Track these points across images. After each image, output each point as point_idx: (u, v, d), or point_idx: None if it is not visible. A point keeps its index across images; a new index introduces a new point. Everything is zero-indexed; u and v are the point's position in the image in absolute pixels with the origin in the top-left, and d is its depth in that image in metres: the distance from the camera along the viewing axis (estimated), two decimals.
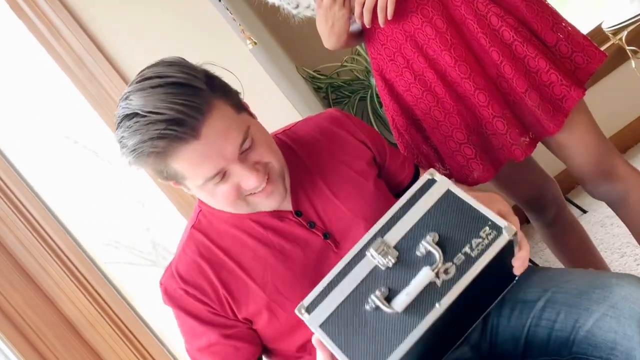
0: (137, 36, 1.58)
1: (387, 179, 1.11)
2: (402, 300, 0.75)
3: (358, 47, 2.12)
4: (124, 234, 1.79)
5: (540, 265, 2.05)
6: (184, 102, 0.81)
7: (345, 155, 1.04)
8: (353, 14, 1.16)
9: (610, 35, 2.25)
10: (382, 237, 0.80)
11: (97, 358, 1.83)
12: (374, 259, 0.79)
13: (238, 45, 1.54)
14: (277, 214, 0.97)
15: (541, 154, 1.33)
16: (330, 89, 2.18)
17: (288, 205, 0.98)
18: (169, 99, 0.81)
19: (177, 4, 1.58)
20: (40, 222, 1.76)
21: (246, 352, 0.97)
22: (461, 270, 0.76)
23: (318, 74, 2.21)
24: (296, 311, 0.79)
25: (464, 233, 0.78)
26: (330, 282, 0.79)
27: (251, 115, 0.95)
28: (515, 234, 0.78)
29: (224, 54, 1.54)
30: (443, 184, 0.80)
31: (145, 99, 0.81)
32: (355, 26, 1.25)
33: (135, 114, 0.82)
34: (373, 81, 2.05)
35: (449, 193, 0.79)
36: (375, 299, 0.76)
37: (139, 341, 1.83)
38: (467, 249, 0.77)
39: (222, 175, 0.86)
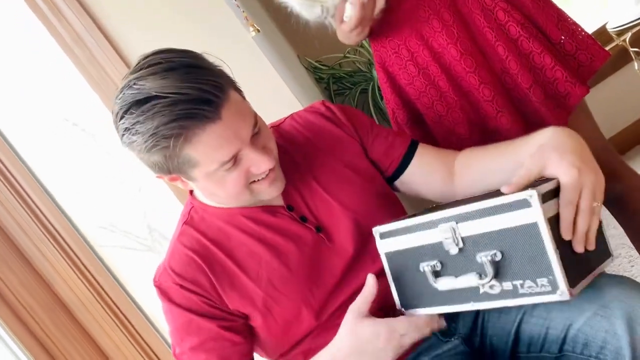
0: (139, 18, 1.57)
1: (376, 162, 1.08)
2: (445, 284, 0.82)
3: None
4: (120, 218, 1.79)
5: None
6: (207, 81, 0.81)
7: (333, 149, 1.04)
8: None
9: (614, 35, 2.25)
10: (457, 223, 0.81)
11: (90, 340, 1.84)
12: (443, 236, 0.82)
13: (240, 33, 1.53)
14: (269, 209, 0.97)
15: None
16: (332, 80, 2.17)
17: (279, 200, 0.98)
18: (191, 78, 0.80)
19: None
20: (36, 202, 1.76)
21: (243, 349, 0.95)
22: (503, 295, 0.80)
23: (320, 65, 2.20)
24: (373, 230, 0.89)
25: (525, 270, 0.77)
26: (407, 227, 0.86)
27: None
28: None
29: (225, 39, 1.54)
30: (535, 214, 0.75)
31: (162, 81, 0.80)
32: None
33: (154, 97, 0.79)
34: (375, 73, 2.04)
35: (534, 226, 0.75)
36: (426, 268, 0.83)
37: (131, 324, 1.84)
38: (518, 283, 0.78)
39: (234, 160, 0.86)
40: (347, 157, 1.04)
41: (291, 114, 1.12)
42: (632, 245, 1.34)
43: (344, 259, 0.96)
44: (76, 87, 1.65)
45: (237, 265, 0.94)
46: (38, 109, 1.71)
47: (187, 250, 0.95)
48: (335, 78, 2.18)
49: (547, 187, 0.77)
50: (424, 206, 0.96)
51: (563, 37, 1.13)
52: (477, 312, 0.99)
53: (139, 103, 0.80)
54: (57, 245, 1.78)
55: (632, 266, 1.74)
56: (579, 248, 0.77)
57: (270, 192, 0.94)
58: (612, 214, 1.29)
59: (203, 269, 0.94)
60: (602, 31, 2.32)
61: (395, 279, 0.88)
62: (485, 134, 1.18)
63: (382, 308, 0.89)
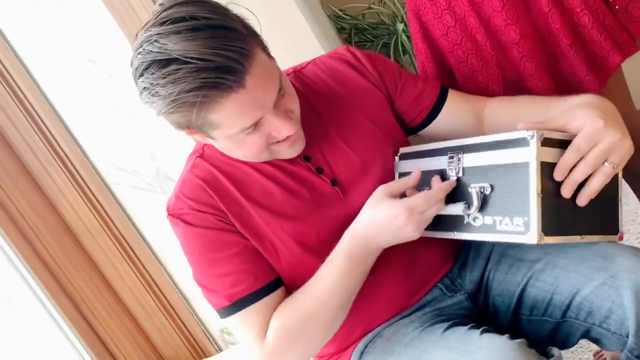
0: None
1: (402, 113, 1.06)
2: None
3: None
4: (128, 158, 1.79)
5: None
6: (232, 48, 0.76)
7: (357, 100, 1.01)
8: None
9: None
10: (464, 153, 0.86)
11: (95, 267, 1.87)
12: (448, 163, 0.87)
13: None
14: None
15: None
16: (354, 31, 2.12)
17: None
18: (216, 44, 0.75)
19: None
20: (49, 127, 1.76)
21: (269, 263, 0.94)
22: (482, 229, 0.83)
23: (343, 14, 2.15)
24: (400, 149, 0.97)
25: (507, 207, 0.78)
26: (422, 151, 0.93)
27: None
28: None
29: None
30: (529, 154, 0.75)
31: (186, 43, 0.75)
32: None
33: (174, 60, 0.75)
34: (399, 27, 2.00)
35: (525, 166, 0.76)
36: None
37: (136, 256, 1.87)
38: (498, 219, 0.80)
39: (256, 125, 0.83)
40: (371, 109, 1.01)
41: (314, 59, 1.08)
42: None
43: (353, 214, 0.94)
44: (102, 25, 1.59)
45: (248, 200, 0.93)
46: (62, 42, 1.68)
47: (199, 180, 0.94)
48: (358, 29, 2.13)
49: (555, 134, 0.77)
50: None
51: None
52: (483, 270, 0.99)
53: (160, 63, 0.76)
54: (66, 170, 1.79)
55: None
56: (564, 192, 0.76)
57: (290, 153, 0.92)
58: (632, 188, 1.27)
59: (214, 198, 0.93)
60: None
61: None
62: (520, 93, 1.13)
63: None
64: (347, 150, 0.97)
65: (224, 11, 0.81)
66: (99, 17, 1.58)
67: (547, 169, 0.75)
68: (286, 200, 0.94)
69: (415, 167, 0.92)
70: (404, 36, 1.98)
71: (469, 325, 0.84)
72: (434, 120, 1.04)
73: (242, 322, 0.92)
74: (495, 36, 1.11)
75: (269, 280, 0.93)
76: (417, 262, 0.97)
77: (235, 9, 0.85)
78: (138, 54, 0.79)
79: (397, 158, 0.97)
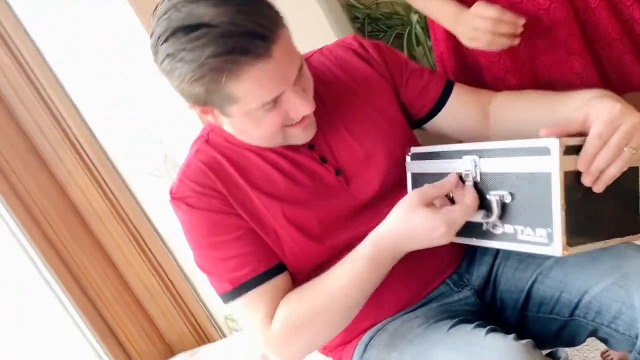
0: None
1: (407, 105, 1.05)
2: None
3: None
4: (137, 143, 1.79)
5: None
6: (263, 15, 0.76)
7: (363, 90, 1.00)
8: None
9: None
10: (480, 158, 0.82)
11: (102, 250, 1.88)
12: (465, 167, 0.83)
13: None
14: (291, 146, 0.95)
15: None
16: (368, 20, 2.10)
17: None
18: (247, 10, 0.75)
19: None
20: (59, 109, 1.76)
21: (272, 249, 0.92)
22: (503, 237, 0.80)
23: (357, 3, 2.13)
24: (410, 149, 0.94)
25: (529, 217, 0.76)
26: (436, 152, 0.90)
27: None
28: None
29: None
30: (552, 164, 0.73)
31: (216, 9, 0.74)
32: None
33: (205, 24, 0.74)
34: (413, 18, 1.97)
35: (548, 176, 0.73)
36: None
37: (144, 240, 1.87)
38: (519, 229, 0.78)
39: (275, 101, 0.83)
40: (377, 99, 1.01)
41: (320, 48, 1.07)
42: None
43: (357, 205, 0.95)
44: (116, 10, 1.58)
45: (250, 185, 0.93)
46: (74, 26, 1.68)
47: (203, 164, 0.93)
48: (371, 19, 2.11)
49: (576, 140, 0.74)
50: None
51: None
52: (491, 266, 0.99)
53: (187, 28, 0.75)
54: (75, 152, 1.79)
55: None
56: (586, 180, 0.74)
57: (303, 137, 0.92)
58: None
59: (217, 182, 0.92)
60: None
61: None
62: (538, 86, 1.11)
63: None
64: (351, 140, 0.97)
65: None
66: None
67: (569, 178, 0.73)
68: (289, 188, 0.93)
69: (428, 168, 0.90)
70: (418, 27, 1.96)
71: (474, 324, 0.83)
72: (440, 113, 1.03)
73: (247, 306, 0.91)
74: (541, 36, 1.08)
75: (272, 264, 0.92)
76: (427, 259, 0.95)
77: None
78: (162, 20, 0.78)
79: (408, 157, 0.95)
